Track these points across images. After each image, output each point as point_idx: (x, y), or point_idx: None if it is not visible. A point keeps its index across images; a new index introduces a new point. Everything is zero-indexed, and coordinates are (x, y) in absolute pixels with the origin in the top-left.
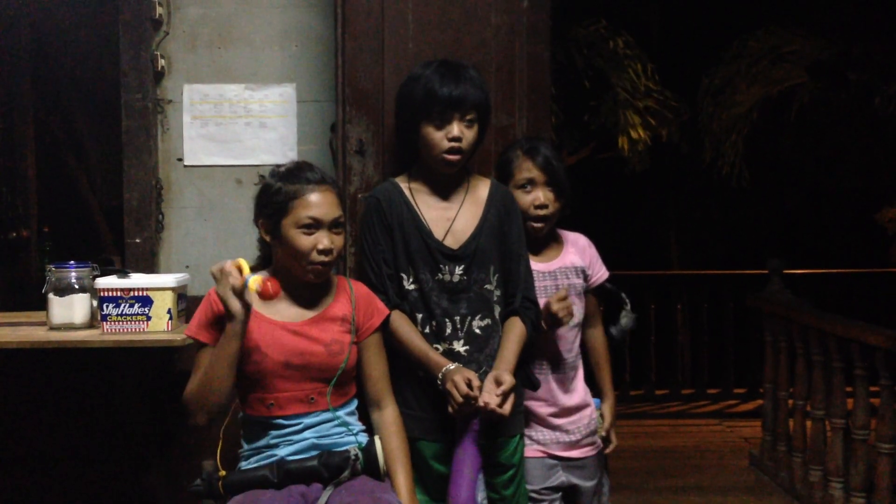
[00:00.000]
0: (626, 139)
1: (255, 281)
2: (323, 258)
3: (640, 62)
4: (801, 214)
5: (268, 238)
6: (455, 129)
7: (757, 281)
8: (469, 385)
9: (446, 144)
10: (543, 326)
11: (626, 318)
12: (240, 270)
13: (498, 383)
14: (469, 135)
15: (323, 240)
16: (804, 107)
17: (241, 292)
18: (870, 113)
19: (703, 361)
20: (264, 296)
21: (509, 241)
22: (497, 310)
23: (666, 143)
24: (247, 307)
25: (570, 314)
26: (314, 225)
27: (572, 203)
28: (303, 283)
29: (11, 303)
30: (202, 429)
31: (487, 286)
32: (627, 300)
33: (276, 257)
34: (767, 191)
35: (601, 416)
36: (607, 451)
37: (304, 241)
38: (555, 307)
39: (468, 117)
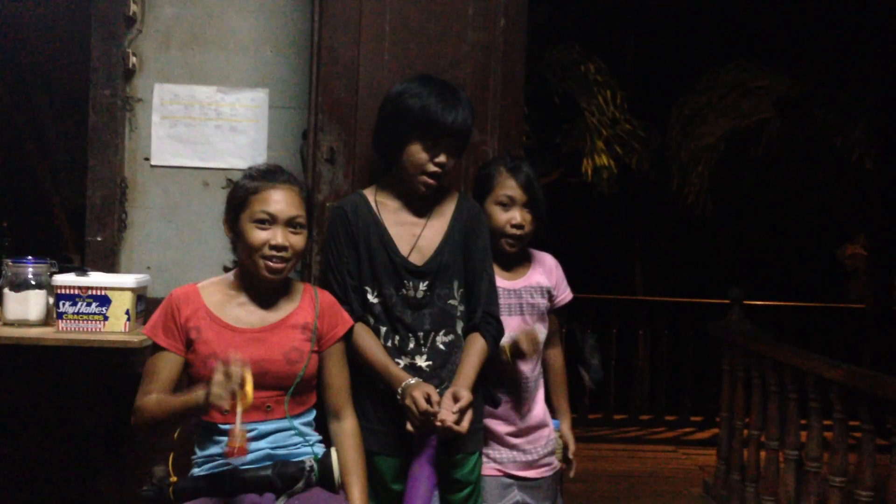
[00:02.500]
0: (591, 164)
1: (241, 436)
2: (274, 253)
3: (611, 89)
4: (764, 247)
5: (229, 235)
6: (442, 157)
7: (718, 310)
8: (428, 400)
9: (430, 168)
10: (507, 358)
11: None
12: (243, 384)
13: (455, 399)
14: (451, 162)
15: (277, 236)
16: (770, 141)
17: (233, 402)
18: (833, 151)
19: (662, 387)
20: (230, 455)
21: (473, 256)
22: (460, 325)
23: (634, 169)
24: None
25: (537, 351)
26: (269, 220)
27: (545, 225)
28: (266, 287)
29: None
30: (152, 433)
31: (451, 301)
32: (594, 359)
33: (238, 257)
34: (732, 222)
35: (560, 437)
36: (571, 474)
37: (257, 235)
38: (524, 346)
39: (456, 146)
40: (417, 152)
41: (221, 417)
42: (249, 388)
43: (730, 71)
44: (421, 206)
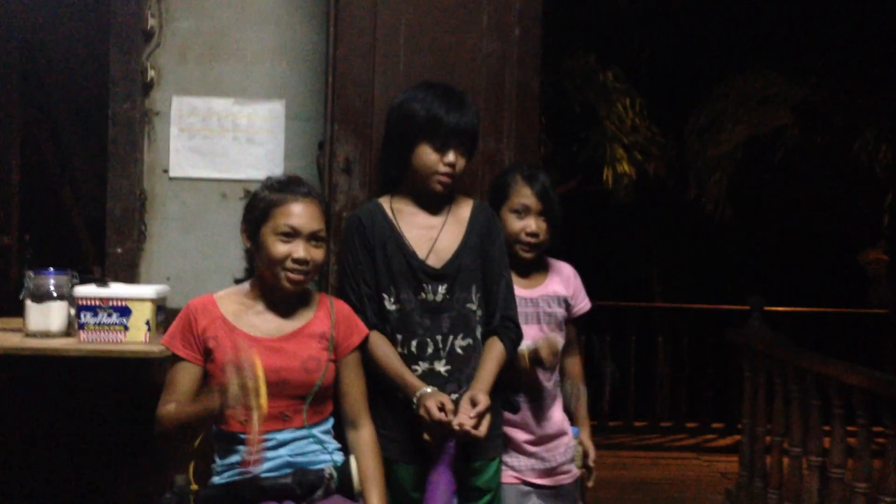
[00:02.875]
0: (612, 172)
1: (257, 446)
2: (297, 267)
3: (629, 97)
4: (784, 253)
5: (248, 244)
6: (451, 156)
7: (737, 316)
8: (442, 409)
9: (442, 168)
10: (526, 365)
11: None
12: (255, 376)
13: (473, 404)
14: (461, 162)
15: (299, 250)
16: (788, 148)
17: (247, 399)
18: (851, 157)
19: (682, 395)
20: (245, 461)
21: (490, 260)
22: (478, 329)
23: (652, 177)
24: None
25: (556, 360)
26: (292, 234)
27: (561, 234)
28: (283, 297)
29: None
30: (175, 443)
31: (469, 305)
32: (610, 372)
33: (256, 267)
34: (751, 228)
35: (579, 443)
36: (589, 483)
37: (279, 248)
38: (543, 353)
39: (465, 146)
40: (427, 153)
41: (240, 426)
42: (264, 398)
43: (746, 78)
44: (437, 211)
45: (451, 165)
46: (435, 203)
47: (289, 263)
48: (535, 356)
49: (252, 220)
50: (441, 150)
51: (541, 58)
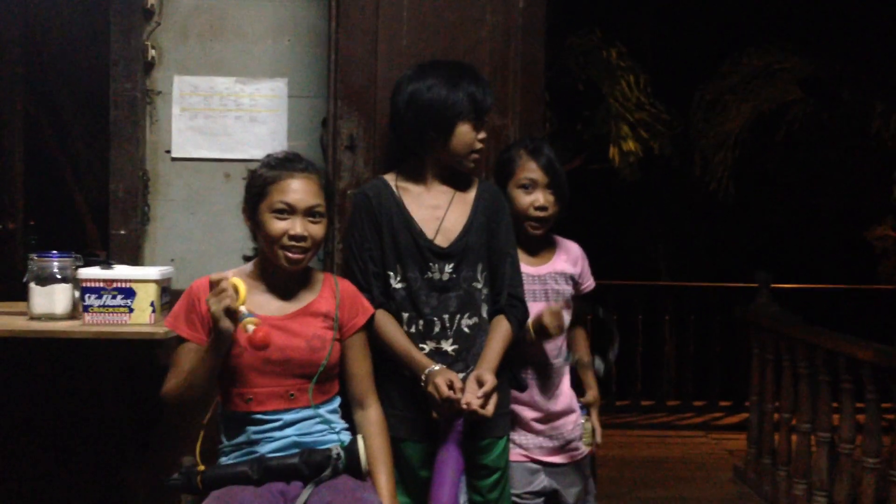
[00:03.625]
0: (618, 151)
1: (252, 322)
2: (294, 244)
3: (634, 74)
4: (791, 230)
5: (248, 224)
6: (483, 132)
7: (744, 294)
8: (451, 387)
9: (477, 145)
10: (532, 337)
11: (599, 362)
12: (236, 290)
13: (480, 383)
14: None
15: (296, 226)
16: (794, 124)
17: (233, 314)
18: (860, 131)
19: (689, 373)
20: (254, 342)
21: (497, 238)
22: (485, 308)
23: (657, 155)
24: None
25: (561, 329)
26: (287, 210)
27: (568, 208)
28: (285, 276)
29: None
30: (182, 423)
31: (475, 284)
32: (618, 335)
33: (258, 246)
34: (757, 206)
35: (587, 421)
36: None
37: (275, 225)
38: (546, 319)
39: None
40: (467, 132)
41: (246, 406)
42: (242, 286)
43: (752, 54)
44: (443, 190)
45: (483, 142)
46: (441, 182)
47: (285, 241)
48: (539, 326)
49: (250, 198)
50: (478, 128)
51: (545, 31)
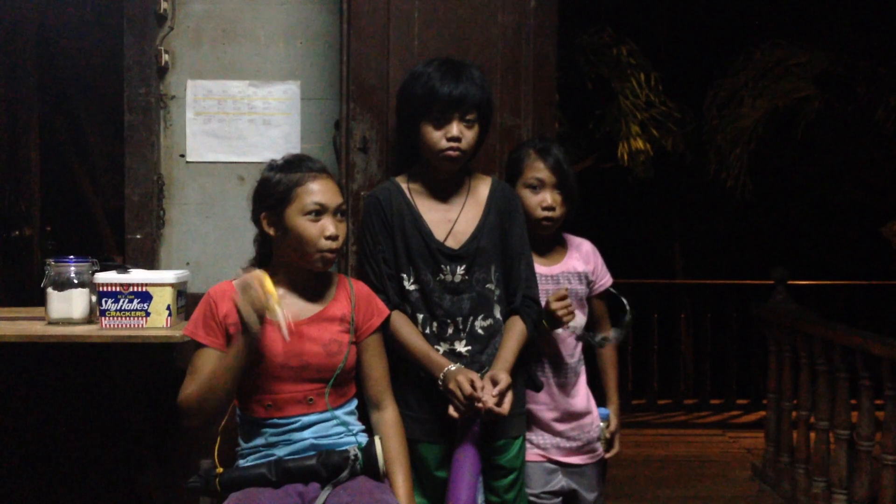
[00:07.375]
0: (627, 149)
1: (282, 315)
2: (330, 244)
3: (644, 72)
4: (806, 227)
5: (271, 231)
6: (454, 128)
7: (760, 291)
8: (472, 385)
9: (444, 144)
10: (545, 326)
11: (611, 333)
12: (262, 286)
13: (494, 382)
14: (469, 135)
15: (329, 226)
16: (810, 120)
17: (261, 310)
18: (875, 127)
19: (706, 371)
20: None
21: (510, 239)
22: (498, 309)
23: (671, 153)
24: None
25: (571, 314)
26: (320, 211)
27: (578, 209)
28: (303, 281)
29: (13, 301)
30: (199, 427)
31: (489, 285)
32: (628, 306)
33: (276, 253)
34: (773, 202)
35: (607, 422)
36: (608, 454)
37: (311, 228)
38: (553, 305)
39: (468, 117)
40: (429, 132)
41: (264, 412)
42: (270, 285)
43: (765, 50)
44: (454, 191)
45: (456, 139)
46: (451, 183)
47: (322, 242)
48: (548, 315)
49: (272, 205)
50: (440, 125)
51: (557, 30)
